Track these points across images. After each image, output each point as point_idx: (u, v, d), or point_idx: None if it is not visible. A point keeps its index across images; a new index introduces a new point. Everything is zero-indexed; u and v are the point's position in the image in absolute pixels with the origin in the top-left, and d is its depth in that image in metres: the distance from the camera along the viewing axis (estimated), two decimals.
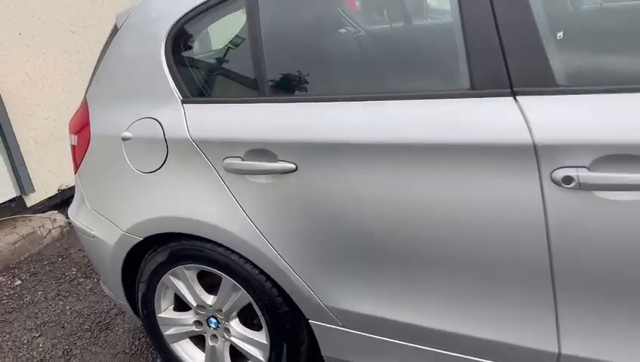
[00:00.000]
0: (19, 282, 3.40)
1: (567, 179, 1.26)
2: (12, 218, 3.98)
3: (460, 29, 1.39)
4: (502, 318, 1.47)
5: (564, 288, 1.36)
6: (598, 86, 1.26)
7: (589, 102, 1.26)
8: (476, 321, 1.50)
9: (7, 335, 2.82)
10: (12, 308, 3.10)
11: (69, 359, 2.56)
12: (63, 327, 2.83)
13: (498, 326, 1.47)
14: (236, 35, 1.81)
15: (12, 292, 3.28)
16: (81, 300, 3.07)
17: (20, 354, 2.64)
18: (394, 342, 1.66)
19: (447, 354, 1.58)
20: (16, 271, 3.55)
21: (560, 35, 1.40)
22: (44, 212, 4.17)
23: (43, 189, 4.23)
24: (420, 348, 1.62)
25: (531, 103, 1.31)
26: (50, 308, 3.04)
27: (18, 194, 4.05)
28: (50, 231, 3.99)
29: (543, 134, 1.28)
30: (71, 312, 2.96)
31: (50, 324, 2.88)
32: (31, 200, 4.12)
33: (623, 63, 1.34)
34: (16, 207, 4.04)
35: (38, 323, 2.91)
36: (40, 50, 4.16)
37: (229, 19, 1.80)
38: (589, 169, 1.25)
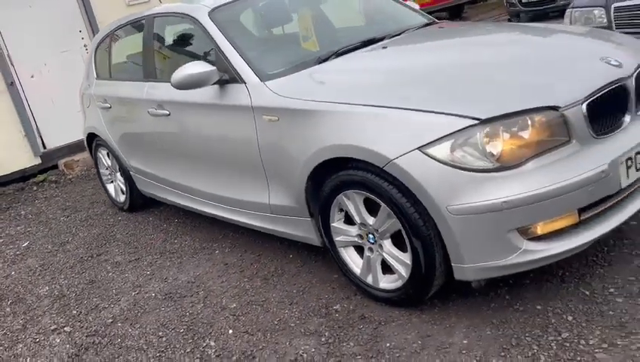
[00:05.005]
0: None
1: (156, 108, 3.66)
2: None
3: (151, 61, 3.79)
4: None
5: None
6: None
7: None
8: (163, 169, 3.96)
9: (84, 186, 5.93)
10: (90, 177, 6.23)
11: (94, 195, 5.53)
12: None
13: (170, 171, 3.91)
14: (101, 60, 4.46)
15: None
16: None
17: (83, 198, 5.70)
18: (155, 183, 4.16)
19: (175, 192, 4.06)
20: None
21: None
22: None
23: None
24: (166, 188, 4.10)
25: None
26: None
27: None
28: None
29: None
30: None
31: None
32: None
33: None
34: None
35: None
36: None
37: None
38: (165, 108, 3.62)
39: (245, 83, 2.90)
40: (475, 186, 2.08)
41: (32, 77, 6.70)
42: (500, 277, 2.47)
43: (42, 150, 6.79)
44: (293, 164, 2.67)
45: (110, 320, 3.00)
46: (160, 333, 2.77)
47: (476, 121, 2.08)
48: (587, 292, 2.31)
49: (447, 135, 2.10)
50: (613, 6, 4.73)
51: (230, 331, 2.65)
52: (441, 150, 2.11)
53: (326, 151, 2.46)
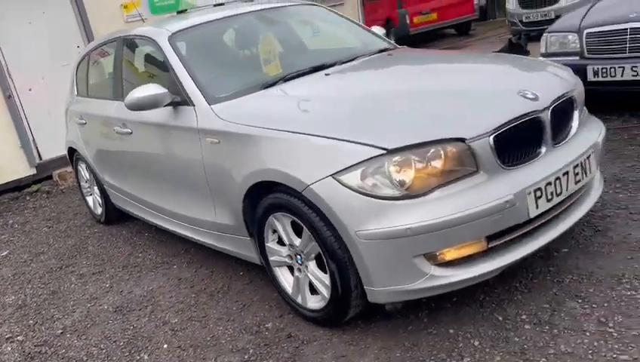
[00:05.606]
0: None
1: (121, 126, 3.81)
2: None
3: (119, 80, 3.97)
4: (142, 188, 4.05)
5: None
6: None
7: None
8: (136, 187, 4.10)
9: (73, 198, 6.11)
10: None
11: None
12: None
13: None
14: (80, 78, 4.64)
15: None
16: None
17: (68, 209, 5.88)
18: (123, 197, 4.30)
19: (139, 207, 4.20)
20: None
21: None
22: None
23: None
24: (132, 203, 4.24)
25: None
26: None
27: None
28: None
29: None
30: None
31: None
32: None
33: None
34: None
35: None
36: None
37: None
38: (128, 127, 3.77)
39: (194, 106, 3.02)
40: (382, 213, 2.16)
41: (30, 90, 6.93)
42: (425, 299, 2.55)
43: (38, 161, 7.00)
44: (231, 185, 2.77)
45: (60, 331, 3.13)
46: (102, 346, 2.88)
47: (383, 151, 2.16)
48: (500, 318, 2.37)
49: (357, 163, 2.19)
50: (585, 32, 4.78)
51: (165, 346, 2.75)
52: (353, 178, 2.20)
53: (255, 174, 2.56)
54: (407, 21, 13.21)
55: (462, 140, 2.19)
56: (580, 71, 4.60)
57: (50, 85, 6.99)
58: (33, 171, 6.96)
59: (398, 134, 2.22)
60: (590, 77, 4.67)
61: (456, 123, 2.25)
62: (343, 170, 2.21)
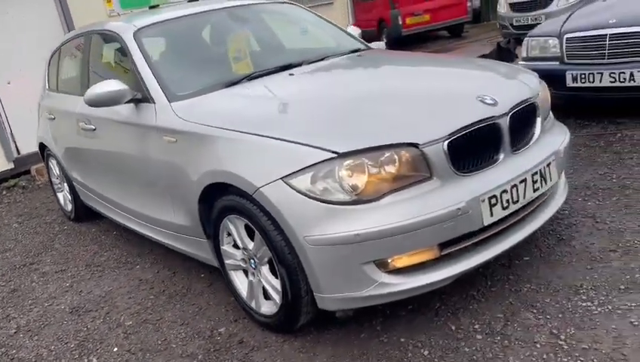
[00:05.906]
0: None
1: (85, 123, 3.74)
2: None
3: (86, 76, 3.89)
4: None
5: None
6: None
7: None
8: (101, 184, 4.02)
9: (48, 193, 6.03)
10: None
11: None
12: None
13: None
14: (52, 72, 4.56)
15: None
16: None
17: (42, 205, 5.79)
18: (90, 195, 4.23)
19: (105, 205, 4.12)
20: None
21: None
22: None
23: None
24: (99, 201, 4.17)
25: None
26: None
27: None
28: None
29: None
30: None
31: None
32: None
33: None
34: None
35: None
36: None
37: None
38: (92, 123, 3.69)
39: (155, 103, 2.95)
40: (332, 218, 2.10)
41: (9, 83, 6.84)
42: (380, 306, 2.49)
43: (16, 155, 6.91)
44: (187, 185, 2.71)
45: (14, 331, 3.05)
46: (52, 347, 2.81)
47: (334, 155, 2.10)
48: (453, 327, 2.31)
49: (307, 167, 2.13)
50: (565, 37, 4.73)
51: (115, 349, 2.68)
52: (302, 181, 2.14)
53: (209, 175, 2.50)
54: (400, 22, 13.17)
55: (415, 145, 2.13)
56: (559, 76, 4.58)
57: (30, 79, 6.86)
58: (11, 166, 6.86)
59: (351, 138, 2.16)
60: (569, 82, 4.63)
61: (410, 128, 2.20)
62: (293, 173, 2.15)
